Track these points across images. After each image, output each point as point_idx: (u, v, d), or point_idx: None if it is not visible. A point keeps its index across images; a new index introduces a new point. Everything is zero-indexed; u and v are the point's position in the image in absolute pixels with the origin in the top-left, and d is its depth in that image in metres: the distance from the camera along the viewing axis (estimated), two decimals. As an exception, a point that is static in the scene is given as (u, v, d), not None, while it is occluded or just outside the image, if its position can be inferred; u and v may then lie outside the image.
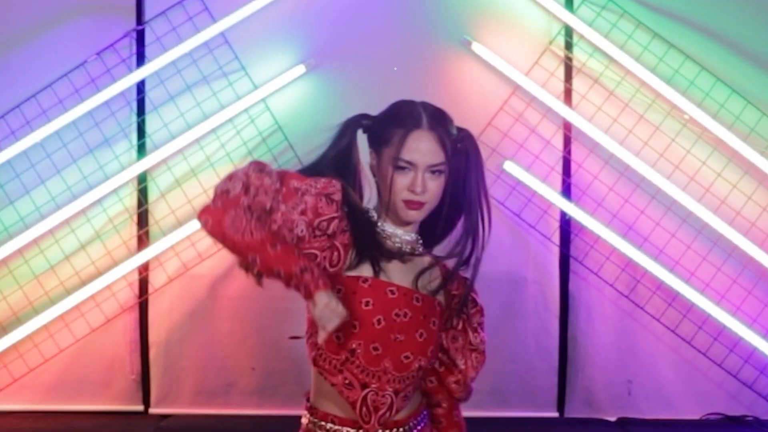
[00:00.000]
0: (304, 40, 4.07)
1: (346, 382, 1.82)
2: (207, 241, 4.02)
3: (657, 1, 4.06)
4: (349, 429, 1.86)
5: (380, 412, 1.83)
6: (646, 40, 3.98)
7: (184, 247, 4.03)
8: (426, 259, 1.90)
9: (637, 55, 3.98)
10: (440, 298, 1.90)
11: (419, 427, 1.92)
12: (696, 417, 4.07)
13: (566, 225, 4.03)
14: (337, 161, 1.87)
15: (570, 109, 4.00)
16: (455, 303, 1.92)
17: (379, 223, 1.88)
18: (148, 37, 4.02)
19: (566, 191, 4.02)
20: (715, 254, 3.97)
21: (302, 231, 1.76)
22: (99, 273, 4.00)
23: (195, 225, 3.99)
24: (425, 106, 1.86)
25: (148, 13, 4.04)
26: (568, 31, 4.05)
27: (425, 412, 1.95)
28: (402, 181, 1.82)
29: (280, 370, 4.07)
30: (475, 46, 3.99)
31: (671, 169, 3.97)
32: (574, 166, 4.04)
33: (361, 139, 1.90)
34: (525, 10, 4.05)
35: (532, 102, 3.99)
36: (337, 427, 1.87)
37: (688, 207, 3.94)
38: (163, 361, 4.11)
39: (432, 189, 1.83)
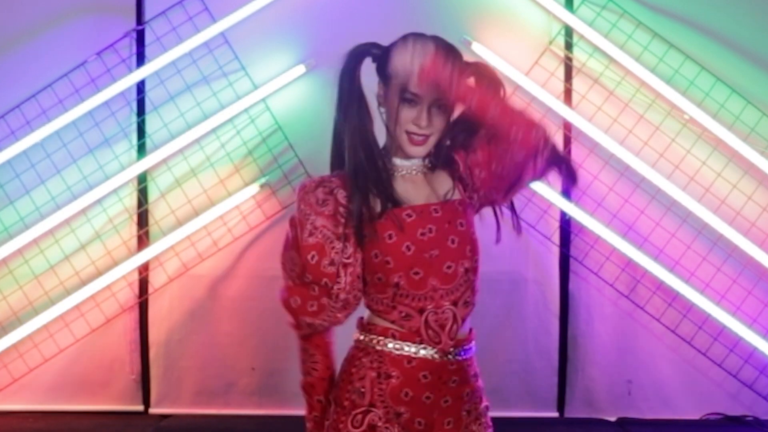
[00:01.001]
0: (304, 40, 4.07)
1: (403, 315, 1.86)
2: (207, 241, 4.03)
3: (657, 1, 4.06)
4: (410, 343, 1.87)
5: (447, 328, 1.86)
6: (646, 40, 3.98)
7: (184, 247, 4.03)
8: (436, 171, 1.94)
9: (637, 55, 3.98)
10: (457, 195, 1.92)
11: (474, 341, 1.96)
12: (696, 417, 4.07)
13: (566, 225, 4.03)
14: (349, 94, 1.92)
15: (570, 109, 4.00)
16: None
17: (387, 162, 1.91)
18: (148, 37, 4.02)
19: (566, 191, 4.02)
20: (715, 254, 3.97)
21: (348, 247, 1.86)
22: (99, 273, 4.00)
23: (195, 225, 4.00)
24: (437, 40, 1.88)
25: (148, 13, 4.04)
26: (568, 31, 4.05)
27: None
28: (408, 113, 1.86)
29: (280, 370, 4.07)
30: (475, 46, 3.99)
31: (671, 169, 3.97)
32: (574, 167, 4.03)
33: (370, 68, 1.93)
34: (525, 10, 4.06)
35: (532, 102, 3.98)
36: (398, 343, 1.87)
37: (688, 207, 3.94)
38: (163, 361, 4.11)
39: (437, 123, 1.87)
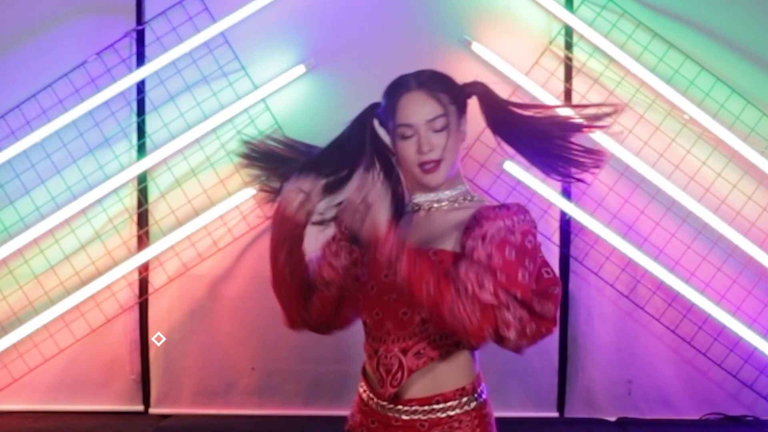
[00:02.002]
0: (304, 40, 4.06)
1: (368, 353, 1.88)
2: (207, 241, 4.03)
3: (657, 1, 4.05)
4: (365, 387, 1.91)
5: (391, 374, 1.81)
6: (646, 40, 3.98)
7: (184, 247, 4.03)
8: (443, 216, 1.87)
9: (637, 55, 3.98)
10: (441, 246, 1.81)
11: (454, 413, 1.81)
12: (696, 417, 4.07)
13: (566, 225, 4.03)
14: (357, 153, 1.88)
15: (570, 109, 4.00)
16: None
17: (409, 200, 1.92)
18: (148, 37, 4.02)
19: (566, 191, 4.02)
20: (715, 254, 3.97)
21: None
22: (99, 273, 4.00)
23: (195, 225, 4.00)
24: (419, 73, 1.87)
25: (148, 13, 4.04)
26: (568, 31, 4.05)
27: (466, 400, 1.84)
28: (409, 148, 1.83)
29: (280, 370, 4.07)
30: (475, 46, 3.99)
31: (671, 169, 3.97)
32: (574, 166, 4.03)
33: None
34: (525, 10, 4.05)
35: (532, 102, 3.99)
36: (362, 384, 1.93)
37: (688, 207, 3.94)
38: (163, 361, 4.11)
39: (439, 144, 1.82)
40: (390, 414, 1.83)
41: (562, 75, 4.04)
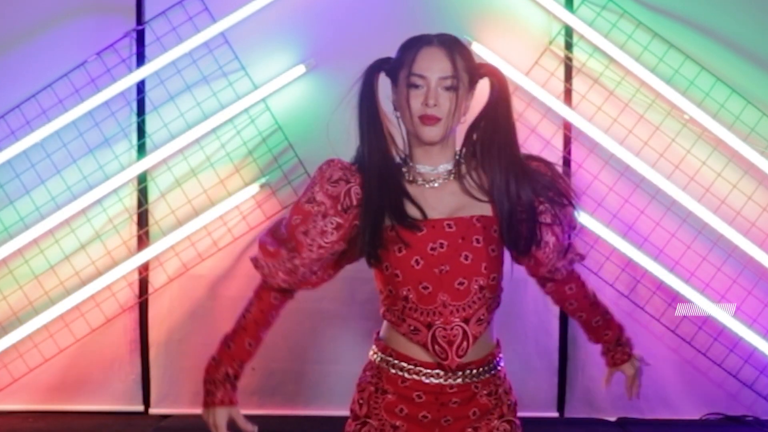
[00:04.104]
0: (304, 40, 4.07)
1: (411, 328, 1.85)
2: (207, 241, 4.03)
3: (657, 1, 4.06)
4: (426, 370, 1.86)
5: (456, 344, 1.83)
6: (646, 40, 3.98)
7: (184, 247, 4.03)
8: (473, 180, 1.92)
9: (637, 55, 3.98)
10: (481, 212, 1.88)
11: (500, 366, 1.96)
12: (696, 417, 4.08)
13: (566, 225, 4.03)
14: (367, 111, 1.90)
15: (570, 109, 4.00)
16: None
17: (406, 168, 1.91)
18: (148, 37, 4.02)
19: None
20: (715, 254, 3.97)
21: (332, 233, 1.87)
22: (99, 273, 4.00)
23: (195, 225, 4.00)
24: (441, 34, 1.90)
25: (148, 13, 4.04)
26: (568, 31, 4.05)
27: (501, 355, 1.98)
28: (416, 98, 1.85)
29: (280, 370, 4.07)
30: (475, 46, 3.99)
31: (671, 169, 3.97)
32: (574, 166, 4.04)
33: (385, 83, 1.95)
34: (525, 10, 4.05)
35: (532, 102, 3.99)
36: (394, 361, 1.88)
37: (688, 207, 3.94)
38: (163, 361, 4.11)
39: (445, 104, 1.85)
40: (443, 382, 1.86)
41: (562, 75, 4.04)
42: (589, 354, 4.12)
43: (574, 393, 4.13)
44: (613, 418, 4.09)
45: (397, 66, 1.89)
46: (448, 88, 1.85)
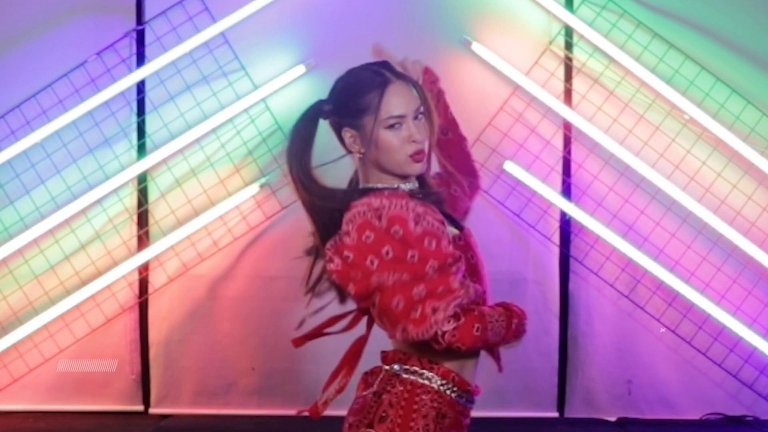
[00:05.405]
0: (304, 40, 4.07)
1: (460, 361, 1.86)
2: (207, 241, 4.03)
3: (657, 1, 4.05)
4: (461, 390, 1.86)
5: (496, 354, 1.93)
6: (646, 40, 3.98)
7: (184, 247, 4.03)
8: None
9: (637, 55, 3.97)
10: None
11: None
12: (696, 417, 4.07)
13: (566, 225, 4.03)
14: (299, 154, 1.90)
15: (570, 109, 4.00)
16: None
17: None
18: (148, 37, 4.02)
19: (566, 191, 4.02)
20: (715, 254, 3.97)
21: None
22: (99, 273, 4.00)
23: (195, 225, 4.00)
24: (378, 64, 1.91)
25: (148, 13, 4.04)
26: (568, 31, 4.05)
27: None
28: (397, 138, 1.83)
29: (280, 370, 4.07)
30: (475, 46, 3.99)
31: (671, 169, 3.97)
32: (574, 166, 4.04)
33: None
34: (525, 10, 4.05)
35: (532, 102, 3.99)
36: (455, 388, 1.85)
37: (688, 207, 3.94)
38: (163, 361, 4.11)
39: (423, 132, 1.85)
40: (468, 404, 1.88)
41: (562, 75, 4.04)
42: (589, 354, 4.12)
43: (574, 393, 4.12)
44: (613, 418, 4.09)
45: (356, 111, 1.86)
46: (417, 117, 1.84)
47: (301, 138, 1.94)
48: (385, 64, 1.91)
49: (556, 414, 4.12)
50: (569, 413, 4.12)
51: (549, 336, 4.11)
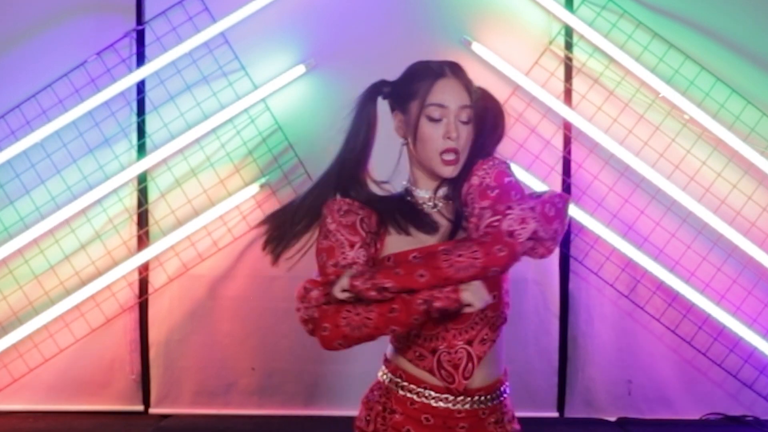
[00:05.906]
0: (304, 40, 4.07)
1: (417, 354, 1.85)
2: (207, 241, 4.03)
3: (657, 1, 4.06)
4: (435, 394, 1.85)
5: (461, 367, 1.83)
6: (646, 40, 3.98)
7: (184, 247, 4.03)
8: (452, 207, 1.89)
9: (637, 55, 3.98)
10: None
11: (507, 393, 1.94)
12: (696, 417, 4.07)
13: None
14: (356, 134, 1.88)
15: (570, 109, 4.00)
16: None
17: (408, 195, 1.90)
18: (148, 37, 4.02)
19: (566, 191, 4.02)
20: (715, 254, 3.97)
21: (357, 255, 1.80)
22: (99, 273, 4.00)
23: (195, 225, 4.00)
24: (450, 63, 1.91)
25: (148, 13, 4.04)
26: (568, 31, 4.05)
27: (508, 383, 1.96)
28: (435, 131, 1.83)
29: (280, 370, 4.07)
30: (475, 46, 3.99)
31: (671, 169, 3.97)
32: (574, 166, 4.04)
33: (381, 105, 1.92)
34: (525, 10, 4.06)
35: (532, 102, 3.99)
36: (404, 383, 1.86)
37: (688, 207, 3.94)
38: (163, 361, 4.11)
39: (464, 137, 1.84)
40: (452, 407, 1.85)
41: (562, 75, 4.04)
42: (589, 354, 4.13)
43: (574, 393, 4.13)
44: (613, 418, 4.09)
45: (407, 95, 1.87)
46: (465, 122, 1.84)
47: (361, 114, 1.90)
48: (455, 65, 1.90)
49: (556, 414, 4.12)
50: (569, 413, 4.12)
51: (549, 336, 4.11)
